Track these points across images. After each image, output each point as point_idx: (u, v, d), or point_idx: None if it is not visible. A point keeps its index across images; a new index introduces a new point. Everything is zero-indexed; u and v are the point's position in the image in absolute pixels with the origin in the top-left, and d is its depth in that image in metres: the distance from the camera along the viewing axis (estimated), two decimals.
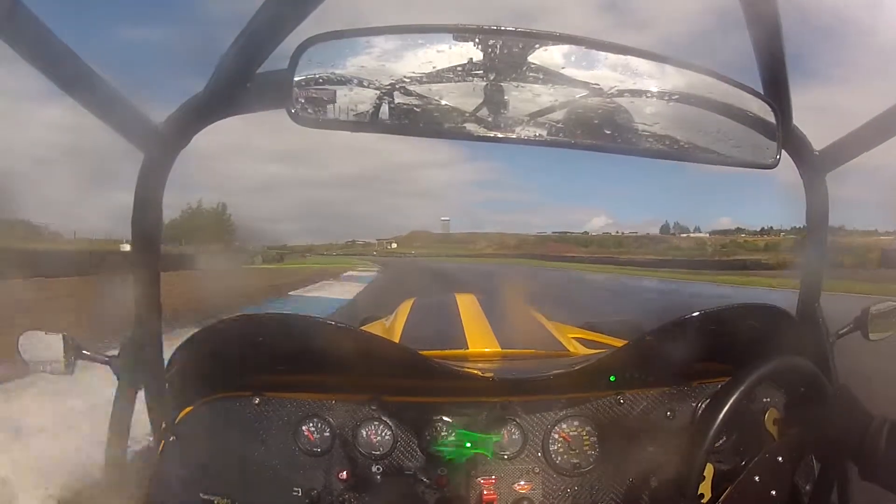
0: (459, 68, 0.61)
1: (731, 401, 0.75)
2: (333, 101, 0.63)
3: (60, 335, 0.86)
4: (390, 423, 0.98)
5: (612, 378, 0.99)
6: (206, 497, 0.92)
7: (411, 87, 0.62)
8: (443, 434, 0.98)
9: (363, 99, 0.62)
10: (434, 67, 0.61)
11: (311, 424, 0.98)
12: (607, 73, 0.65)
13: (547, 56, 0.62)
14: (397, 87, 0.62)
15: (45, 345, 0.86)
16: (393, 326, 1.54)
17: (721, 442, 0.95)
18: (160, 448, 0.94)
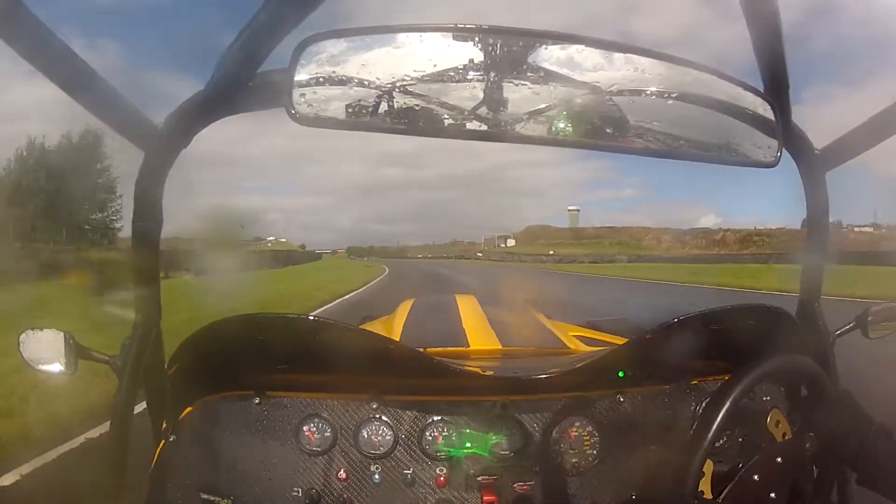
0: (459, 67, 0.61)
1: (731, 399, 0.75)
2: (333, 101, 0.63)
3: (62, 333, 0.86)
4: (391, 423, 0.98)
5: (620, 374, 0.99)
6: (206, 497, 0.92)
7: (411, 87, 0.62)
8: (443, 433, 0.98)
9: (363, 98, 0.62)
10: (434, 67, 0.61)
11: (311, 424, 0.98)
12: (607, 71, 0.65)
13: (547, 55, 0.62)
14: (397, 86, 0.62)
15: (46, 343, 0.86)
16: (393, 325, 1.54)
17: (722, 441, 0.95)
18: (160, 448, 0.94)
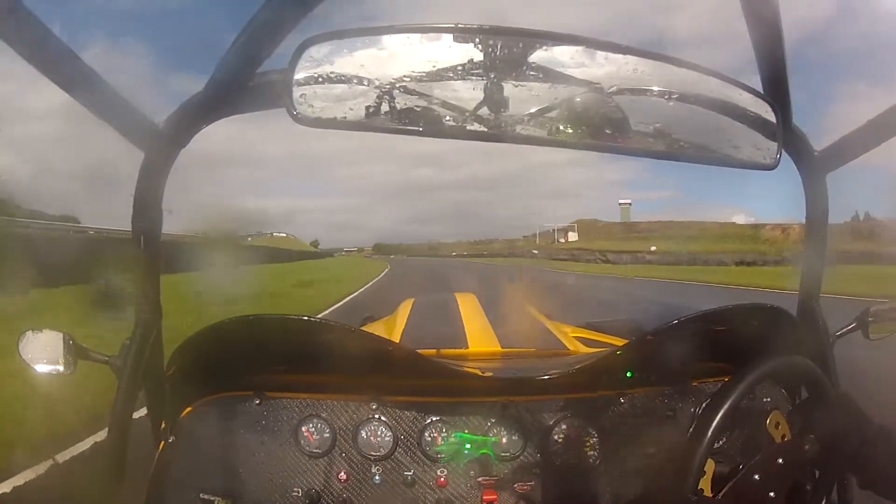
0: (460, 68, 0.61)
1: (731, 399, 0.76)
2: (333, 101, 0.62)
3: (61, 334, 0.86)
4: (390, 424, 0.98)
5: (629, 374, 0.99)
6: (205, 497, 0.92)
7: (411, 87, 0.62)
8: (443, 434, 0.98)
9: (363, 98, 0.62)
10: (434, 67, 0.61)
11: (311, 425, 0.98)
12: (608, 72, 0.65)
13: (547, 56, 0.62)
14: (397, 86, 0.62)
15: (46, 344, 0.86)
16: (393, 326, 1.54)
17: (722, 441, 0.95)
18: (160, 448, 0.94)
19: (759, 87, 0.76)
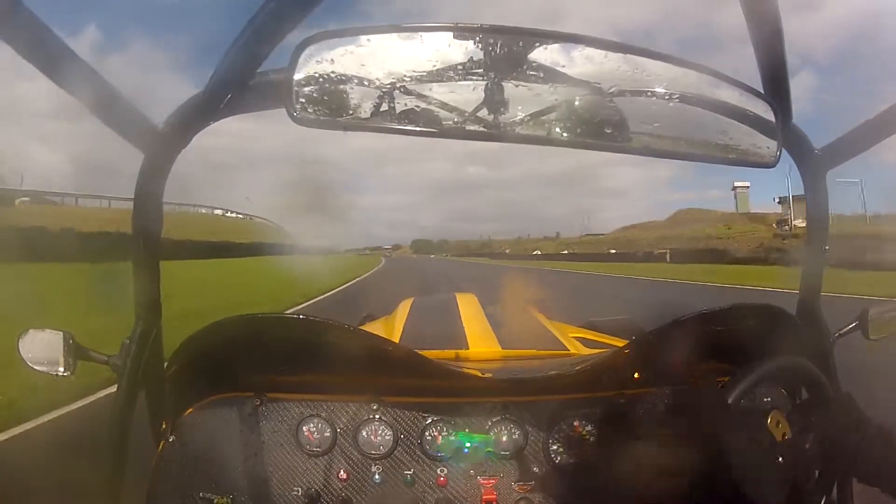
0: (460, 67, 0.61)
1: (730, 399, 0.76)
2: (333, 101, 0.62)
3: (61, 333, 0.86)
4: (391, 423, 0.98)
5: (628, 374, 0.99)
6: (206, 496, 0.92)
7: (411, 87, 0.62)
8: (443, 434, 0.98)
9: (363, 98, 0.62)
10: (434, 66, 0.61)
11: (311, 425, 0.98)
12: (608, 72, 0.65)
13: (547, 55, 0.62)
14: (397, 86, 0.62)
15: (46, 343, 0.86)
16: (393, 326, 1.54)
17: (723, 440, 0.95)
18: (160, 448, 0.94)
19: (759, 86, 0.77)
